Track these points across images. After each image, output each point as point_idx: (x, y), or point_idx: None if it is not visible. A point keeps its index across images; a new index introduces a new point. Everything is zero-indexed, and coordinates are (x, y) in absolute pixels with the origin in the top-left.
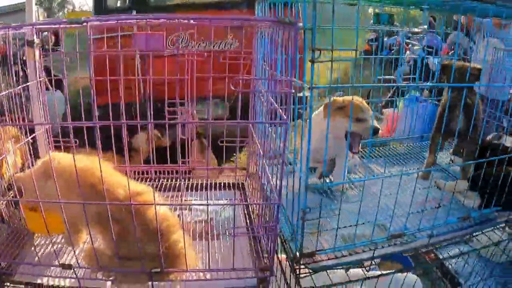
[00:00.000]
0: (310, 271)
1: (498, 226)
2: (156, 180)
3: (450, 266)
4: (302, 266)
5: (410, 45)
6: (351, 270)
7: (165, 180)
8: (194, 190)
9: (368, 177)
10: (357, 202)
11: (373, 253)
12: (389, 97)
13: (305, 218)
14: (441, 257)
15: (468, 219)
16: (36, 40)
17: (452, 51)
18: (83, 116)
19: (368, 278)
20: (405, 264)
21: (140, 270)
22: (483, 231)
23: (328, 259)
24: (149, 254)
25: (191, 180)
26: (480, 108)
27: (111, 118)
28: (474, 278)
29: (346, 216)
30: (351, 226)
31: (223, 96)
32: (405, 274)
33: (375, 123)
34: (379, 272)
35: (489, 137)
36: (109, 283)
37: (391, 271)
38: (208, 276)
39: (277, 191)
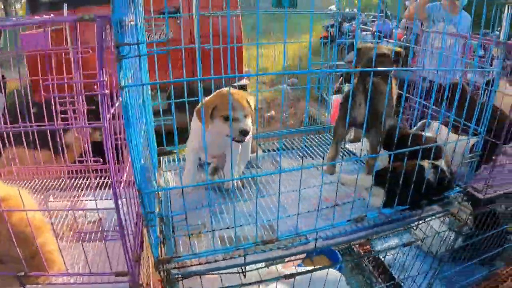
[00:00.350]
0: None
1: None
2: (78, 179)
3: (383, 259)
4: (164, 272)
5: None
6: (270, 268)
7: (80, 180)
8: (102, 189)
9: (259, 173)
10: (252, 200)
11: (244, 259)
12: (338, 85)
13: (148, 224)
14: (377, 249)
15: (361, 221)
16: None
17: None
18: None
19: (283, 277)
20: (333, 259)
21: (5, 273)
22: (386, 232)
23: (199, 264)
24: (15, 258)
25: (106, 178)
26: (393, 96)
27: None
28: (410, 271)
29: (237, 215)
30: (238, 226)
31: None
32: (326, 270)
33: (246, 123)
34: (294, 270)
35: (418, 125)
36: None
37: (309, 268)
38: (71, 280)
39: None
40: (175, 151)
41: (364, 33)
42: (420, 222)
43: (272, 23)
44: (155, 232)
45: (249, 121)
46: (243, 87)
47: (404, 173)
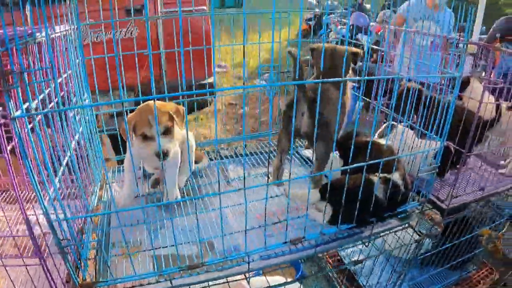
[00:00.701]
0: None
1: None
2: None
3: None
4: None
5: (333, 25)
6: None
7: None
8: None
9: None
10: (194, 216)
11: (171, 283)
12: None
13: (63, 251)
14: (345, 260)
15: (298, 243)
16: None
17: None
18: None
19: None
20: (296, 268)
21: None
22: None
23: (132, 286)
24: None
25: None
26: (347, 103)
27: None
28: (378, 278)
29: (177, 231)
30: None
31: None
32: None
33: (163, 143)
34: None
35: (381, 128)
36: None
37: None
38: None
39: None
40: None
41: (340, 27)
42: (373, 238)
43: (254, 16)
44: (75, 255)
45: (168, 139)
46: (211, 85)
47: (351, 188)
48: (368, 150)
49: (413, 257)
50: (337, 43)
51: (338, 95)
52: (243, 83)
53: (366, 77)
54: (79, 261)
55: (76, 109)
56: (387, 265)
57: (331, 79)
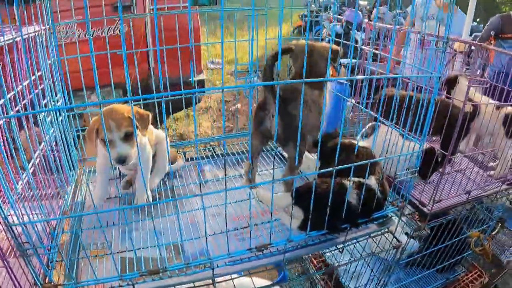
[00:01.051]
0: None
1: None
2: None
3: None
4: None
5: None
6: None
7: None
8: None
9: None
10: (167, 218)
11: (133, 287)
12: None
13: (25, 254)
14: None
15: (264, 250)
16: None
17: None
18: None
19: None
20: (279, 270)
21: None
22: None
23: None
24: None
25: None
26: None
27: None
28: (360, 281)
29: (148, 234)
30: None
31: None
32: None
33: (123, 148)
34: None
35: (366, 128)
36: None
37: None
38: None
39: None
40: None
41: (333, 23)
42: (348, 244)
43: (250, 11)
44: (38, 258)
45: (128, 145)
46: (200, 82)
47: (321, 193)
48: (337, 153)
49: (395, 263)
50: (329, 41)
51: (314, 95)
52: (235, 81)
53: (351, 77)
54: (43, 264)
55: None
56: (368, 269)
57: (311, 80)
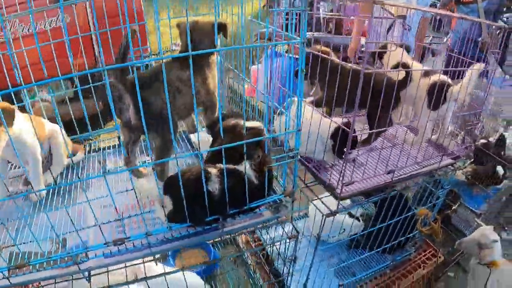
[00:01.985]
0: None
1: None
2: None
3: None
4: None
5: None
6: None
7: None
8: None
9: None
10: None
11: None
12: None
13: None
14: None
15: (121, 244)
16: None
17: None
18: None
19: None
20: (206, 250)
21: None
22: None
23: None
24: None
25: None
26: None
27: None
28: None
29: (38, 227)
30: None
31: None
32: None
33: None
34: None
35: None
36: None
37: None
38: None
39: None
40: None
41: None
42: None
43: None
44: None
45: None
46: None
47: (184, 183)
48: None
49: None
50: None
51: (185, 76)
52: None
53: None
54: None
55: None
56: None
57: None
